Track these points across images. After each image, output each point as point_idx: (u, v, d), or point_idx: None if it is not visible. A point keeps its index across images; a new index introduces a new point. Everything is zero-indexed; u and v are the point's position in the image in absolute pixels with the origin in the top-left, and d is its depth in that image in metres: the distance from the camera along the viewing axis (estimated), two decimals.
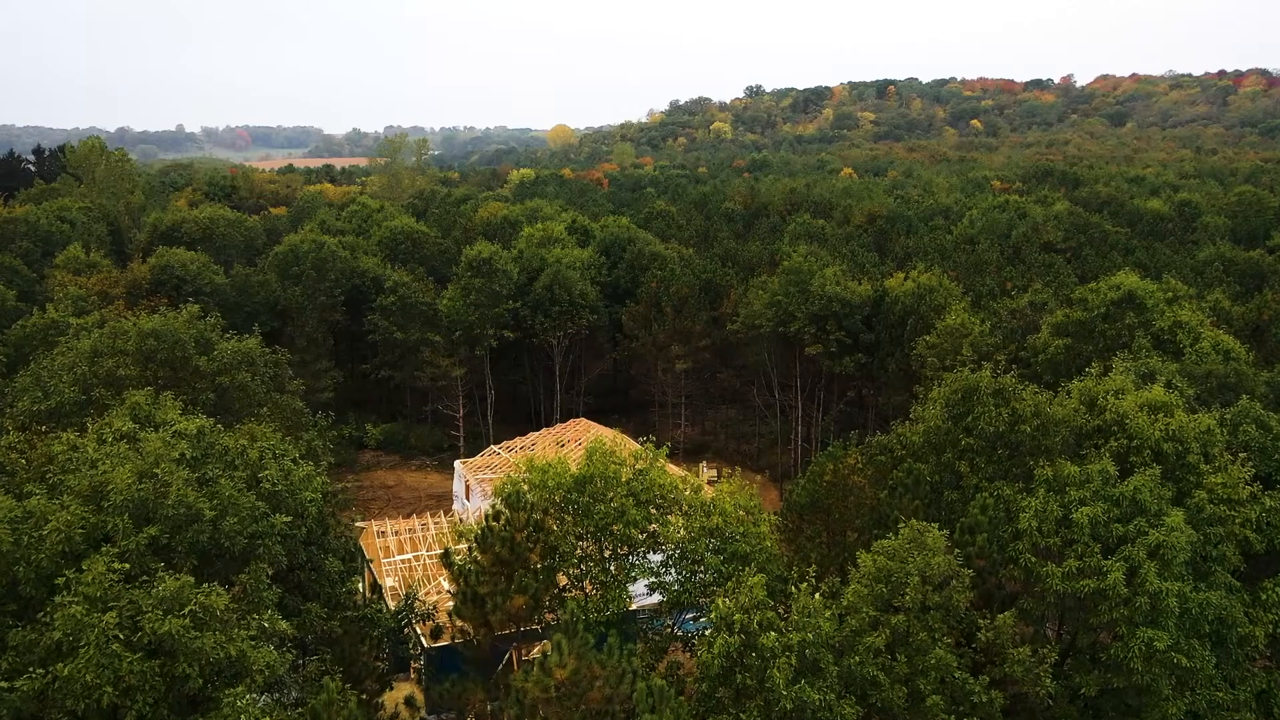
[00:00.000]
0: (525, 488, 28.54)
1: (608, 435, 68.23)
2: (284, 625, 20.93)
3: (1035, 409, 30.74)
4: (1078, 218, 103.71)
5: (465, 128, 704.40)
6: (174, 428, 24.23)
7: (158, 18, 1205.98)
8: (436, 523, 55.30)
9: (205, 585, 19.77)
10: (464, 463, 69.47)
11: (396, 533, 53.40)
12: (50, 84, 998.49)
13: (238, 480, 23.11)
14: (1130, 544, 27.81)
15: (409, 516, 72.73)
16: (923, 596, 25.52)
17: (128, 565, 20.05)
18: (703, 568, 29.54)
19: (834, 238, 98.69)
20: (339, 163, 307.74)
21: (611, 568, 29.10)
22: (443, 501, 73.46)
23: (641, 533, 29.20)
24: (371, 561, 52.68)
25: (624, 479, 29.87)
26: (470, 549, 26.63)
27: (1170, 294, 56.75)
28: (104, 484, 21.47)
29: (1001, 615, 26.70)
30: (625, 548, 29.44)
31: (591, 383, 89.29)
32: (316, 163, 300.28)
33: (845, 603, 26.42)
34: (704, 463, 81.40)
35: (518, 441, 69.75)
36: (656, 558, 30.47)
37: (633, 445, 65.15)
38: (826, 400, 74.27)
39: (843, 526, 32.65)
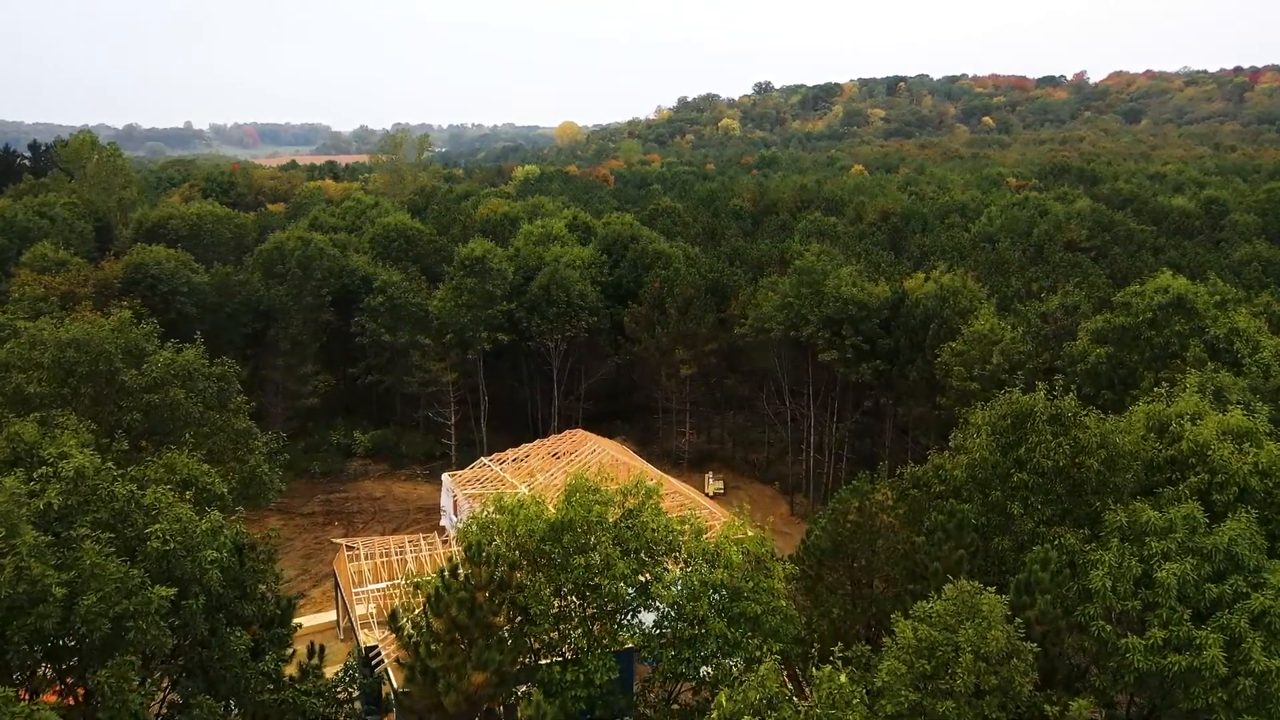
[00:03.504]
0: (493, 534, 23.75)
1: (605, 447, 63.85)
2: None
3: (1102, 439, 25.78)
4: (1101, 215, 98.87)
5: (473, 125, 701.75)
6: (40, 470, 19.45)
7: (166, 15, 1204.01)
8: (413, 544, 50.71)
9: (25, 706, 15.03)
10: (452, 475, 64.97)
11: (371, 556, 48.81)
12: (59, 81, 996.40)
13: (105, 541, 18.21)
14: (1228, 609, 22.94)
15: (395, 531, 68.51)
16: (976, 677, 20.69)
17: None
18: (704, 630, 24.47)
19: (846, 236, 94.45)
20: (342, 159, 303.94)
21: (594, 629, 24.16)
22: (432, 515, 69.17)
23: (631, 587, 24.26)
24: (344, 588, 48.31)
25: (610, 520, 24.93)
26: (425, 608, 21.98)
27: (1218, 296, 51.96)
28: None
29: (1076, 702, 21.74)
30: (612, 603, 24.44)
31: (592, 387, 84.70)
32: (321, 160, 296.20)
33: (879, 682, 21.61)
34: (710, 472, 76.99)
35: (510, 453, 65.26)
36: (649, 617, 25.49)
37: (632, 463, 60.61)
38: (841, 409, 69.46)
39: (870, 575, 27.70)
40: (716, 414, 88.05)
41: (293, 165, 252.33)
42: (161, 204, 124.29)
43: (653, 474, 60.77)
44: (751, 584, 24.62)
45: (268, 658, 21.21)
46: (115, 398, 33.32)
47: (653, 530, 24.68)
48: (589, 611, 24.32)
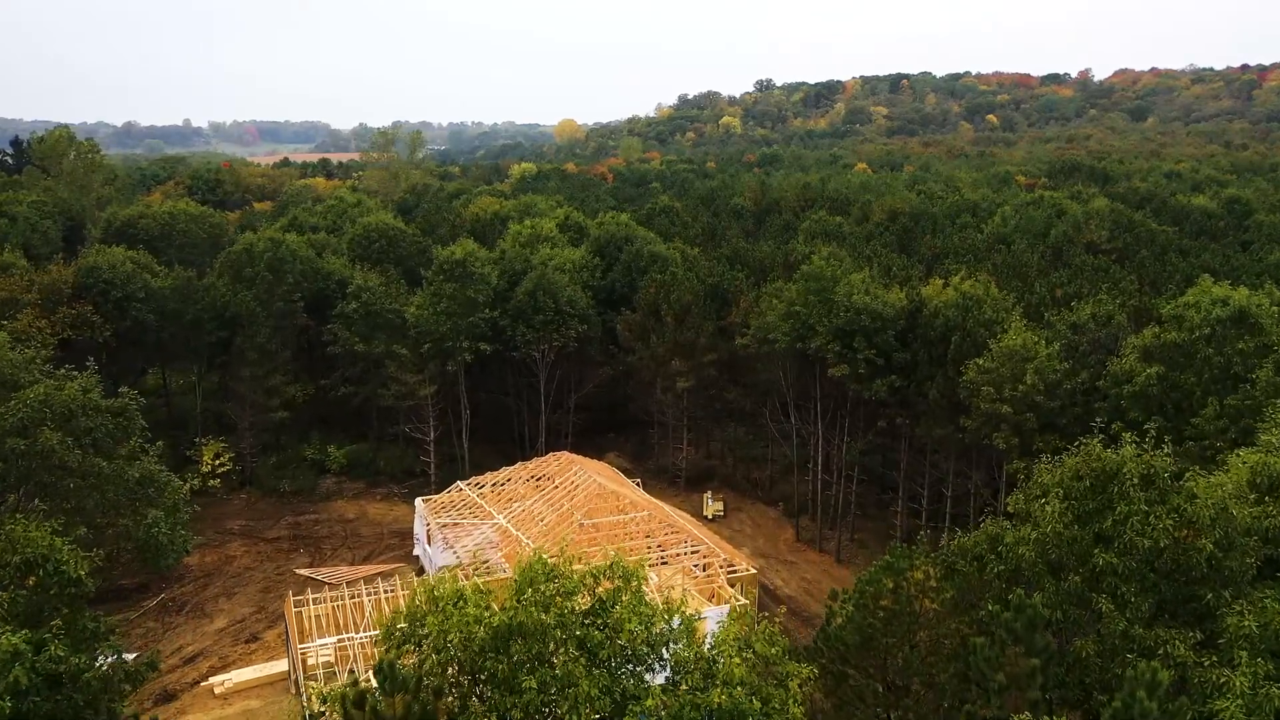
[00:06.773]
0: (419, 637, 18.12)
1: (592, 471, 58.32)
2: None
3: (1216, 513, 20.07)
4: (1120, 215, 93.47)
5: (473, 123, 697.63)
6: None
7: (167, 13, 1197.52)
8: (372, 586, 45.22)
9: None
10: (426, 501, 59.57)
11: (321, 600, 43.27)
12: (59, 78, 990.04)
13: None
14: None
15: (366, 559, 63.02)
16: None
17: None
18: None
19: (853, 236, 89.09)
20: (337, 157, 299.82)
21: None
22: (406, 540, 63.81)
23: (599, 714, 18.48)
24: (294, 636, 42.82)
25: (577, 609, 19.20)
26: None
27: (1277, 308, 46.36)
28: None
29: None
30: None
31: (582, 400, 79.09)
32: (315, 157, 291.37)
33: None
34: (709, 493, 71.56)
35: (489, 477, 59.91)
36: None
37: (621, 490, 54.85)
38: (852, 426, 63.82)
39: (908, 675, 22.14)
40: (716, 428, 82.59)
41: (285, 163, 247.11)
42: (136, 202, 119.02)
43: (644, 502, 55.32)
44: (759, 704, 18.97)
45: None
46: None
47: (630, 631, 18.96)
48: None
